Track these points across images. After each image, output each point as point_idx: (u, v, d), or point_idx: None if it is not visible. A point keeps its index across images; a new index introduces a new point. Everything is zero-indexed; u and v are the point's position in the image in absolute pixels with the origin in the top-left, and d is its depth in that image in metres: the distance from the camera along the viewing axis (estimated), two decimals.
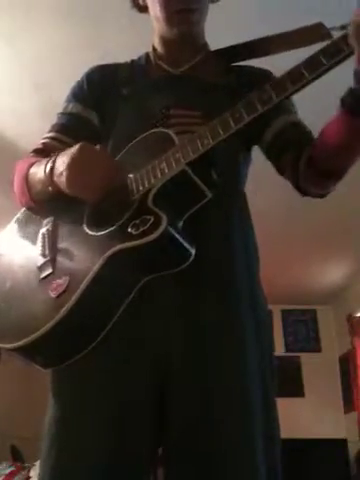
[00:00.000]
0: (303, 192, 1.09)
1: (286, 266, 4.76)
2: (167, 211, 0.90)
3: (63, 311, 0.88)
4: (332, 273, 5.04)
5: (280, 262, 4.46)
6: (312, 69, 0.84)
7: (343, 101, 0.89)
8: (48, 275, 0.97)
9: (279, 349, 5.45)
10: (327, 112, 0.97)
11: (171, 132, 0.99)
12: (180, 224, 0.94)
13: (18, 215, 1.16)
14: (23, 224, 1.13)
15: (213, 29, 1.22)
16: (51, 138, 1.18)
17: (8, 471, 3.33)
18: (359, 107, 0.88)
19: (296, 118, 1.14)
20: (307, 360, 5.55)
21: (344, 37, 0.82)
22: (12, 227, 1.15)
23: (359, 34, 0.79)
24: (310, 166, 1.03)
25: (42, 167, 1.02)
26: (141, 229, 0.88)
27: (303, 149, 1.04)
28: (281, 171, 1.13)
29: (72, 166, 0.94)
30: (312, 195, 1.10)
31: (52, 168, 0.99)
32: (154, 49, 1.21)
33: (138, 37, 1.44)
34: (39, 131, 1.24)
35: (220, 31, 1.51)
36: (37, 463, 3.17)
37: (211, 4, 1.17)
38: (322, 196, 1.10)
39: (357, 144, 0.95)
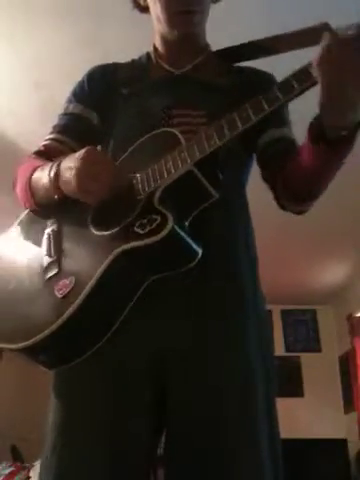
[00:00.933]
0: (281, 207, 1.11)
1: (286, 266, 4.75)
2: (173, 211, 0.89)
3: (69, 311, 0.87)
4: (332, 273, 5.04)
5: (280, 262, 4.46)
6: None
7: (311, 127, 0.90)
8: (54, 275, 0.96)
9: (279, 349, 5.45)
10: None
11: (177, 132, 0.98)
12: (186, 223, 0.94)
13: (21, 217, 1.15)
14: (27, 225, 1.13)
15: (217, 29, 1.22)
16: (52, 139, 1.17)
17: (8, 471, 3.33)
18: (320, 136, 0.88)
19: (288, 133, 1.14)
20: (307, 360, 5.55)
21: None
22: (15, 228, 1.14)
23: (323, 62, 0.79)
24: (286, 185, 1.05)
25: (46, 172, 1.01)
26: (148, 229, 0.88)
27: (284, 166, 1.05)
28: (264, 179, 1.14)
29: (79, 171, 0.93)
30: (289, 211, 1.11)
31: (56, 173, 0.99)
32: (155, 49, 1.21)
33: (139, 36, 1.43)
34: (39, 130, 1.24)
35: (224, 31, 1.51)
36: (37, 463, 3.17)
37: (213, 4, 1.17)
38: (300, 213, 1.11)
39: (324, 171, 0.96)
